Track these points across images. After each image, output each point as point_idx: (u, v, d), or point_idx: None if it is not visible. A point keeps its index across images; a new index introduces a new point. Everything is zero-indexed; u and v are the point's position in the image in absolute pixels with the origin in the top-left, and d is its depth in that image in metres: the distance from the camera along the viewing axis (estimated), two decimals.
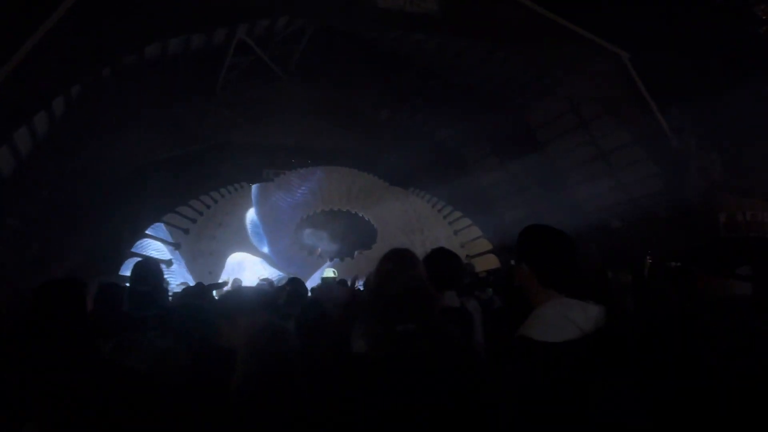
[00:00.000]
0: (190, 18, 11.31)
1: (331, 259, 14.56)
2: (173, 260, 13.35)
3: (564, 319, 1.81)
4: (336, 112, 16.51)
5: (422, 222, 16.12)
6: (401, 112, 17.73)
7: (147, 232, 13.66)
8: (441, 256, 3.00)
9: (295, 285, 5.42)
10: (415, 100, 16.39)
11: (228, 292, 6.53)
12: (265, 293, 5.33)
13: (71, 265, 13.43)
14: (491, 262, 14.50)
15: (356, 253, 14.97)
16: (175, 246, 13.68)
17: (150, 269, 3.56)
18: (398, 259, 2.31)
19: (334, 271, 9.45)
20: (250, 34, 13.23)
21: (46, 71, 10.05)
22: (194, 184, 15.18)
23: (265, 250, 14.16)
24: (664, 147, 14.54)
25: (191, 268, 12.91)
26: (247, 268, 13.45)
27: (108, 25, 10.50)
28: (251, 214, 15.03)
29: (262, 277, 11.73)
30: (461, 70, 15.46)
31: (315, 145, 17.52)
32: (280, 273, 12.82)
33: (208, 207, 14.78)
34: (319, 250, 15.23)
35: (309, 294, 6.04)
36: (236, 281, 10.67)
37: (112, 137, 13.83)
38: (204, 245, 13.65)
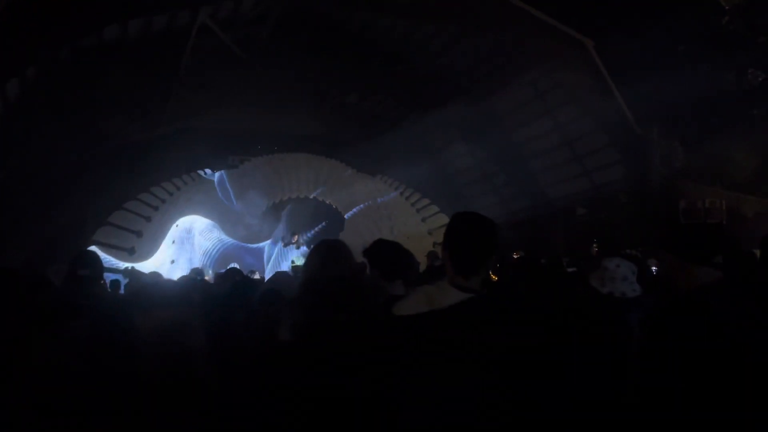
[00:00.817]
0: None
1: (298, 247, 14.47)
2: (135, 247, 13.11)
3: (423, 297, 1.94)
4: (302, 97, 16.31)
5: (390, 209, 16.11)
6: (369, 98, 17.62)
7: (109, 219, 13.35)
8: (382, 247, 3.02)
9: (240, 275, 5.37)
10: (382, 85, 16.30)
11: (150, 283, 6.41)
12: (186, 285, 5.27)
13: (30, 253, 13.09)
14: None
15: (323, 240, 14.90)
16: (138, 234, 13.42)
17: (90, 256, 3.51)
18: (326, 251, 2.39)
19: (301, 260, 9.41)
20: (215, 16, 12.95)
21: (0, 51, 9.70)
22: (157, 171, 14.86)
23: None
24: (627, 135, 14.77)
25: (153, 255, 12.70)
26: (197, 234, 13.34)
27: (65, 4, 10.16)
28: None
29: (193, 267, 11.61)
30: (429, 55, 15.43)
31: (281, 131, 17.32)
32: (228, 239, 12.80)
33: (171, 194, 14.51)
34: (297, 237, 15.08)
35: (265, 282, 5.97)
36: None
37: (71, 121, 13.44)
38: (166, 232, 13.42)
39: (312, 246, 2.54)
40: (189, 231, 14.14)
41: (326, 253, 2.38)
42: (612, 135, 14.88)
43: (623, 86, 14.69)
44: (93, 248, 12.53)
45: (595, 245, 13.86)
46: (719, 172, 15.01)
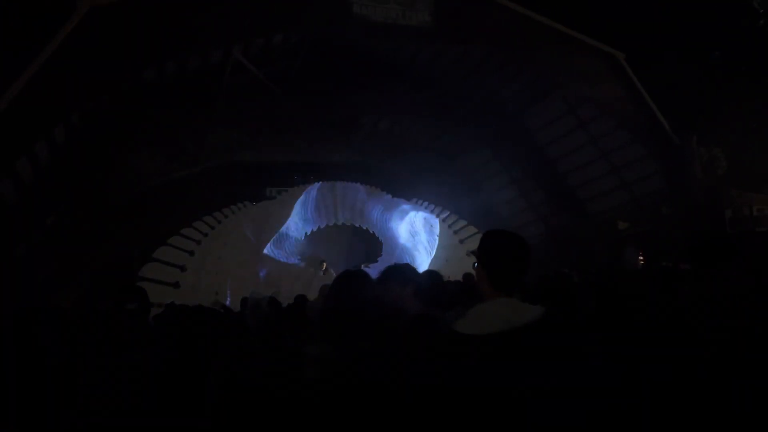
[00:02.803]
0: (185, 40, 11.40)
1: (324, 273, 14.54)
2: (180, 282, 13.34)
3: (494, 314, 1.88)
4: (335, 125, 16.56)
5: (427, 232, 16.07)
6: (400, 122, 17.77)
7: (153, 255, 13.65)
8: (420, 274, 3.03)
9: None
10: (413, 109, 16.42)
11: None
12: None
13: (79, 292, 13.47)
14: None
15: (362, 266, 14.94)
16: (181, 268, 13.67)
17: (137, 290, 3.60)
18: (344, 281, 2.36)
19: None
20: (246, 53, 13.31)
21: (46, 100, 10.14)
22: (198, 205, 15.20)
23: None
24: (664, 144, 14.51)
25: (197, 289, 12.90)
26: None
27: (104, 51, 10.59)
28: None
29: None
30: (457, 77, 15.52)
31: (316, 160, 17.57)
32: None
33: (212, 228, 14.77)
34: (325, 265, 15.19)
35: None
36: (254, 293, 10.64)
37: (113, 163, 13.93)
38: (209, 266, 13.64)
39: (337, 275, 2.50)
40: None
41: (344, 284, 2.34)
42: (649, 145, 14.63)
43: (658, 96, 14.49)
44: (139, 284, 12.82)
45: (641, 258, 13.55)
46: (762, 179, 14.59)
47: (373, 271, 14.53)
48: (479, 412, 1.74)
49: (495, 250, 2.10)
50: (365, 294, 2.29)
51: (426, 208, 16.43)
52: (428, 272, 3.15)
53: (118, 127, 12.87)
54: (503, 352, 1.78)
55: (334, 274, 13.94)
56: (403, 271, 2.94)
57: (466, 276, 4.82)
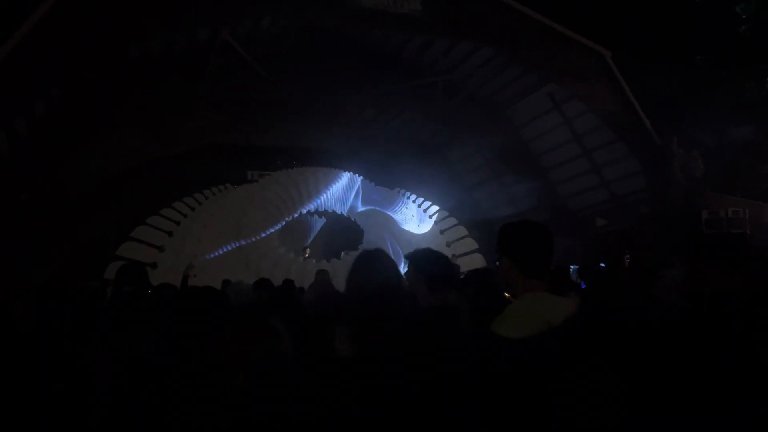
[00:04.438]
0: (172, 18, 11.22)
1: (317, 261, 14.52)
2: (157, 262, 13.23)
3: (531, 313, 1.86)
4: (320, 111, 16.46)
5: (408, 221, 16.12)
6: (385, 111, 17.73)
7: (131, 234, 13.51)
8: (430, 255, 2.96)
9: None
10: (398, 99, 16.39)
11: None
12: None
13: (54, 269, 13.29)
14: (477, 261, 14.52)
15: (342, 253, 14.93)
16: (160, 249, 13.55)
17: (133, 271, 3.57)
18: (370, 260, 2.32)
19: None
20: (234, 34, 13.15)
21: (25, 74, 9.94)
22: (178, 186, 15.05)
23: None
24: (646, 144, 14.69)
25: (175, 270, 12.79)
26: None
27: (88, 26, 10.40)
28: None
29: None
30: (444, 69, 15.51)
31: (300, 145, 17.47)
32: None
33: (192, 209, 14.64)
34: (308, 250, 15.15)
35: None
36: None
37: (94, 140, 13.71)
38: (188, 247, 13.53)
39: (356, 256, 2.45)
40: None
41: (372, 262, 2.31)
42: (631, 145, 14.80)
43: (642, 96, 14.65)
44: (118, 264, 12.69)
45: (627, 256, 13.73)
46: (741, 181, 14.86)
47: (352, 258, 14.52)
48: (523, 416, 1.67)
49: (521, 238, 2.08)
50: (387, 275, 2.26)
51: (408, 197, 16.48)
52: (442, 260, 3.05)
53: (99, 103, 12.64)
54: (543, 354, 1.73)
55: (314, 261, 13.93)
56: (421, 256, 2.85)
57: (476, 272, 4.78)
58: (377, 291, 2.16)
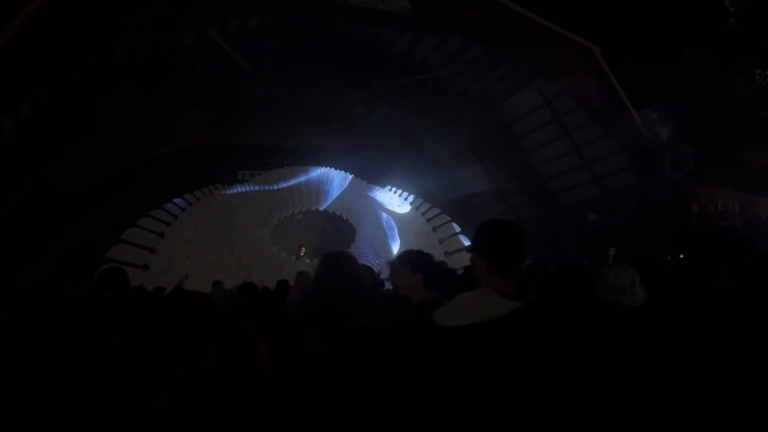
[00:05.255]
0: (159, 18, 11.17)
1: (308, 260, 14.48)
2: (149, 264, 13.16)
3: (471, 306, 1.96)
4: (310, 110, 16.42)
5: (400, 219, 16.09)
6: (376, 109, 17.71)
7: (122, 237, 13.42)
8: (424, 256, 3.07)
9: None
10: (389, 97, 16.38)
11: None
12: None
13: (44, 272, 13.21)
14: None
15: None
16: (151, 250, 13.47)
17: (115, 276, 3.51)
18: (333, 262, 2.41)
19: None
20: (222, 33, 13.10)
21: (12, 74, 9.87)
22: (169, 187, 14.98)
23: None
24: (635, 139, 14.75)
25: (166, 272, 12.72)
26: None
27: (75, 27, 10.33)
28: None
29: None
30: (434, 67, 15.50)
31: (290, 145, 17.42)
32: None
33: (183, 210, 14.57)
34: (303, 250, 15.10)
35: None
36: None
37: (83, 141, 13.62)
38: (179, 249, 13.47)
39: (321, 258, 2.53)
40: None
41: (335, 264, 2.39)
42: (620, 140, 14.86)
43: (631, 91, 14.70)
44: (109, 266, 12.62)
45: (612, 249, 13.80)
46: (730, 175, 14.94)
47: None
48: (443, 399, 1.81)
49: (493, 237, 2.17)
50: (347, 273, 2.33)
51: (400, 195, 16.46)
52: (436, 262, 3.22)
53: (88, 104, 12.57)
54: (468, 343, 1.84)
55: (307, 261, 13.90)
56: (416, 257, 2.99)
57: (468, 268, 4.84)
58: (341, 292, 2.24)
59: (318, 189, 15.52)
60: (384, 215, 15.75)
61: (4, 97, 10.07)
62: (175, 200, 14.59)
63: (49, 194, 12.94)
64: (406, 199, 16.49)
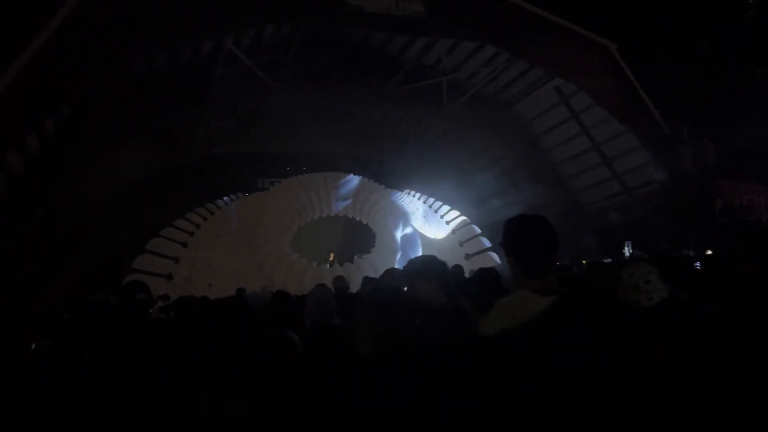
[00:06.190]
0: (176, 31, 11.31)
1: (331, 265, 14.55)
2: (173, 273, 13.33)
3: (505, 310, 1.89)
4: (327, 117, 16.51)
5: (420, 223, 16.10)
6: (392, 113, 17.74)
7: (146, 247, 13.60)
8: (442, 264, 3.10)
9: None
10: (404, 100, 16.39)
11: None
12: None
13: (70, 284, 13.43)
14: (490, 260, 14.49)
15: (356, 257, 14.96)
16: (174, 260, 13.64)
17: (142, 283, 3.70)
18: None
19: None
20: (238, 43, 13.23)
21: (35, 92, 10.06)
22: (190, 197, 15.17)
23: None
24: (656, 135, 14.58)
25: (190, 280, 12.88)
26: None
27: (93, 43, 10.51)
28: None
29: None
30: (449, 69, 15.48)
31: (309, 151, 17.54)
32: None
33: (205, 219, 14.75)
34: (332, 255, 15.16)
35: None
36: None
37: (104, 154, 13.83)
38: (202, 257, 13.62)
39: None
40: None
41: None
42: (640, 136, 14.70)
43: (649, 86, 14.54)
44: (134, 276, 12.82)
45: (628, 247, 13.67)
46: (755, 169, 14.69)
47: (366, 262, 14.58)
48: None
49: (520, 236, 2.05)
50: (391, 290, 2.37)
51: (418, 198, 16.48)
52: (451, 267, 3.26)
53: (108, 118, 12.77)
54: (502, 352, 1.79)
55: (329, 267, 13.90)
56: (428, 264, 2.98)
57: (482, 270, 4.85)
58: (390, 294, 2.26)
59: (337, 195, 15.61)
60: (404, 222, 15.77)
61: (29, 114, 10.27)
62: (196, 210, 14.80)
63: (72, 208, 13.15)
64: (425, 202, 16.51)
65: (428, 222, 16.10)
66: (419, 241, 15.32)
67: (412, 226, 15.84)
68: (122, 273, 13.07)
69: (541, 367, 1.73)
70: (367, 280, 6.23)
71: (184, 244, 14.01)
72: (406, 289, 2.85)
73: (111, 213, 14.43)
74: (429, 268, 2.97)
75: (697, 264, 6.12)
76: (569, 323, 1.81)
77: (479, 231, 15.79)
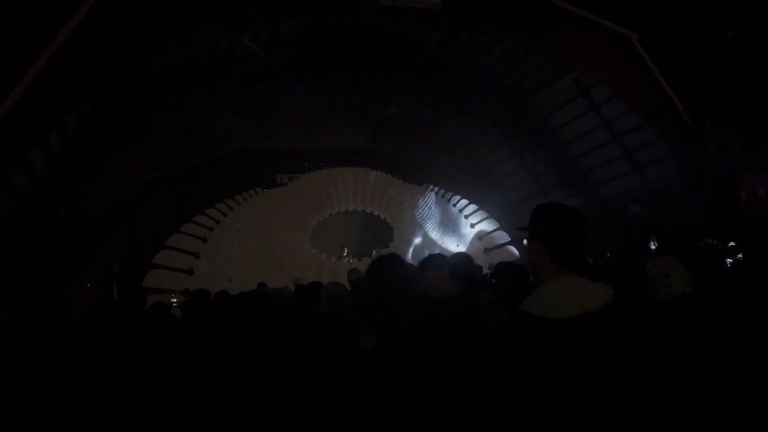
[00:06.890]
0: (193, 28, 11.39)
1: (349, 260, 14.56)
2: (194, 268, 13.47)
3: (566, 296, 1.76)
4: (345, 111, 16.52)
5: (437, 217, 16.05)
6: (409, 107, 17.69)
7: (167, 242, 13.75)
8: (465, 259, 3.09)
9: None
10: (422, 94, 16.33)
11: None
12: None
13: (93, 279, 13.62)
14: (509, 254, 14.40)
15: (374, 252, 14.95)
16: (195, 255, 13.78)
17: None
18: (381, 264, 2.40)
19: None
20: (255, 39, 13.28)
21: (57, 90, 10.19)
22: (209, 193, 15.30)
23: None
24: (678, 126, 14.35)
25: (211, 275, 12.98)
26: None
27: (113, 42, 10.62)
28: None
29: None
30: (467, 61, 15.38)
31: (326, 146, 17.56)
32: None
33: (225, 215, 14.87)
34: (346, 250, 15.18)
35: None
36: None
37: (125, 151, 14.00)
38: (222, 252, 13.73)
39: (371, 261, 2.53)
40: None
41: (386, 265, 2.40)
42: (662, 128, 14.47)
43: (671, 78, 14.31)
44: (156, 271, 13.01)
45: (653, 242, 13.46)
46: None
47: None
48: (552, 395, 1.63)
49: (554, 223, 1.96)
50: (398, 274, 2.32)
51: (437, 193, 16.41)
52: (460, 254, 3.22)
53: (128, 116, 12.91)
54: (579, 338, 1.66)
55: (347, 261, 13.92)
56: (437, 258, 2.98)
57: (504, 263, 4.83)
58: (392, 289, 2.22)
59: (355, 189, 15.61)
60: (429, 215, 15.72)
61: (51, 112, 10.41)
62: (216, 205, 14.92)
63: (94, 205, 13.32)
64: (443, 196, 16.45)
65: (446, 216, 16.03)
66: (439, 235, 15.27)
67: (431, 221, 15.79)
68: (144, 269, 13.25)
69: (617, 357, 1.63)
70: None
71: (205, 240, 14.15)
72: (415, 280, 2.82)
73: (132, 209, 14.59)
74: (441, 257, 2.98)
75: (729, 260, 6.01)
76: (633, 313, 1.75)
77: (498, 225, 15.71)
